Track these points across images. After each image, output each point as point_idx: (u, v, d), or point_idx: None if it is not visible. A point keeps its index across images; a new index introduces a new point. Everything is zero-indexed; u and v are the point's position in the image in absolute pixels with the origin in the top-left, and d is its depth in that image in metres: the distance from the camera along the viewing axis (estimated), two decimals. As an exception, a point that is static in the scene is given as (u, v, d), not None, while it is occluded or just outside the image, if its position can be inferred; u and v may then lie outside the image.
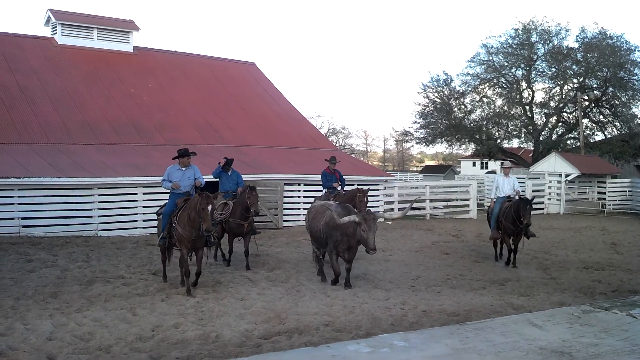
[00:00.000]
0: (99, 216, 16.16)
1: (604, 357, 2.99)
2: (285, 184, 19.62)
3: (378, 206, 21.82)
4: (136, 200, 16.83)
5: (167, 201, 10.28)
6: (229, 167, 12.88)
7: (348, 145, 72.29)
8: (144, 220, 16.79)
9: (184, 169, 10.12)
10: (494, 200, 13.64)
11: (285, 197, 19.64)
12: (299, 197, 20.28)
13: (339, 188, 14.39)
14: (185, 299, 9.02)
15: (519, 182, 27.42)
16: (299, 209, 20.10)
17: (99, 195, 16.20)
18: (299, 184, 20.23)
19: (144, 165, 17.81)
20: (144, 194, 16.88)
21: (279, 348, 6.54)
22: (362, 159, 72.59)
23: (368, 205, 13.85)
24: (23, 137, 18.11)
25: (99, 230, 16.02)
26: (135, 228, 16.67)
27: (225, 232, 12.53)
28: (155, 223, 16.69)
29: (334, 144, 48.39)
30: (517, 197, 13.08)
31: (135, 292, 9.39)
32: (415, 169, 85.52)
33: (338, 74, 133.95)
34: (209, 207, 8.96)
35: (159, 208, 10.99)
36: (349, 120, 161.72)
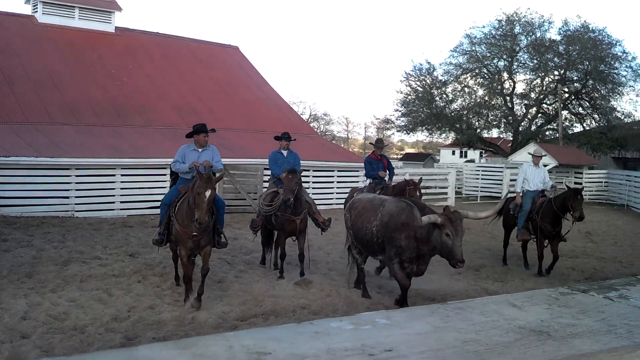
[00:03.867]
0: (76, 197, 15.96)
1: (581, 336, 3.00)
2: (265, 169, 19.54)
3: (358, 193, 21.89)
4: (114, 182, 16.65)
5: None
6: (285, 143, 10.58)
7: (329, 131, 71.99)
8: (121, 202, 16.65)
9: (200, 149, 8.35)
10: (520, 194, 11.65)
11: (265, 181, 19.57)
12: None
13: (386, 178, 11.58)
14: (162, 281, 8.95)
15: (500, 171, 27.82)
16: (278, 193, 20.05)
17: (77, 176, 16.00)
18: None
19: (123, 147, 17.65)
20: (121, 175, 16.71)
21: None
22: (343, 145, 72.62)
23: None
24: (1, 117, 17.79)
25: (76, 211, 15.83)
26: (112, 210, 16.50)
27: (275, 229, 10.22)
28: (135, 205, 16.78)
29: (315, 130, 48.30)
30: (552, 193, 11.39)
31: (111, 273, 9.31)
32: (396, 156, 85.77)
33: (321, 60, 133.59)
34: (207, 193, 7.08)
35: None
36: (330, 107, 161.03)
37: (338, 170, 21.59)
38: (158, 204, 9.28)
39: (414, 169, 31.53)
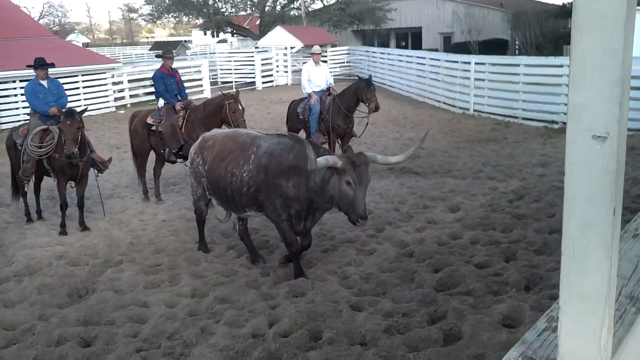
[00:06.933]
0: None
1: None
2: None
3: (108, 96, 21.02)
4: None
5: None
6: (43, 71, 8.74)
7: (67, 23, 64.22)
8: None
9: None
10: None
11: (-1, 97, 17.87)
12: (15, 95, 18.50)
13: (180, 97, 9.81)
14: None
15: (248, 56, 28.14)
16: (17, 108, 18.47)
17: None
18: (15, 81, 18.40)
19: None
20: None
21: (8, 300, 5.92)
22: (86, 34, 67.28)
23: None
24: None
25: None
26: None
27: (48, 175, 8.72)
28: None
29: (51, 24, 43.84)
30: (334, 91, 11.25)
31: None
32: (147, 40, 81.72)
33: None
34: None
35: None
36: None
37: (82, 75, 20.30)
38: None
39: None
